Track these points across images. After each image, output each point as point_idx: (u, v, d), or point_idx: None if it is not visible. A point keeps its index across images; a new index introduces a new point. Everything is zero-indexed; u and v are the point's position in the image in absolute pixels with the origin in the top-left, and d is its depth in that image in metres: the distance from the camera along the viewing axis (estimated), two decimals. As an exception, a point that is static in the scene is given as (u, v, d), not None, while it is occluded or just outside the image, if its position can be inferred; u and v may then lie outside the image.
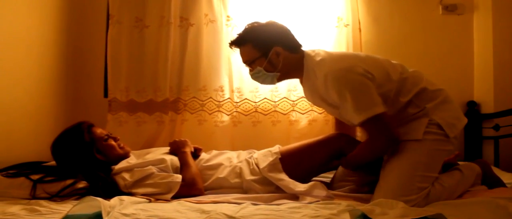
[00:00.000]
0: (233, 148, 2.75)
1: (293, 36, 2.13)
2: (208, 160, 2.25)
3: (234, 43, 2.11)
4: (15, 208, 1.59)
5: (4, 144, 2.29)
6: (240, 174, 2.13)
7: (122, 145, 2.25)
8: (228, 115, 2.98)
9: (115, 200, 1.61)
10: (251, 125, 2.96)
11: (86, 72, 3.11)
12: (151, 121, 2.96)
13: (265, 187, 2.06)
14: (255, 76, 2.12)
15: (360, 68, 1.89)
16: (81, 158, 2.09)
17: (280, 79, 2.12)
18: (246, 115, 2.97)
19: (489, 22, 2.93)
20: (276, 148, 2.23)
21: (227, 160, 2.24)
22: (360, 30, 3.01)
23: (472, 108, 3.02)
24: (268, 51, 2.03)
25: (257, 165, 2.14)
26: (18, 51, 2.41)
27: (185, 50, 2.99)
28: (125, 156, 2.22)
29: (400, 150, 1.92)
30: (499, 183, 2.11)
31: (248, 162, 2.18)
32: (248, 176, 2.10)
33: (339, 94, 1.90)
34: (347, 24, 2.96)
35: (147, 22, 2.99)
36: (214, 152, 2.37)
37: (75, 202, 1.69)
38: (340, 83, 1.89)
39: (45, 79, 2.72)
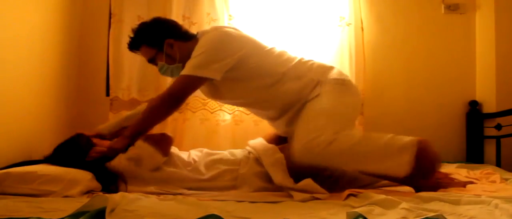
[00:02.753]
0: (234, 146, 2.76)
1: (181, 26, 2.29)
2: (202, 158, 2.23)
3: (131, 49, 2.25)
4: (20, 206, 1.59)
5: (7, 142, 2.29)
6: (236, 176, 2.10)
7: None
8: (229, 113, 2.98)
9: (119, 196, 1.61)
10: (252, 124, 2.96)
11: (88, 71, 3.11)
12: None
13: (260, 182, 2.04)
14: (162, 72, 2.25)
15: (234, 32, 2.11)
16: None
17: None
18: (248, 114, 2.97)
19: (492, 22, 2.93)
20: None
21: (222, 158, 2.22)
22: (362, 29, 3.00)
23: (474, 107, 3.02)
24: (161, 46, 2.17)
25: (258, 158, 2.11)
26: (20, 50, 2.41)
27: (187, 49, 2.99)
28: None
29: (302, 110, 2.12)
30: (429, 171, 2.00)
31: (247, 158, 2.16)
32: (243, 169, 2.08)
33: (198, 47, 2.08)
34: (350, 23, 2.97)
35: (149, 21, 2.99)
36: (206, 150, 2.33)
37: (80, 200, 1.71)
38: (206, 38, 2.09)
39: (47, 78, 2.72)
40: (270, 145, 2.20)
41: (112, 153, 2.10)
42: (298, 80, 2.15)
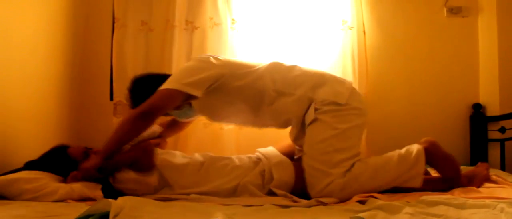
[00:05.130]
0: (238, 151, 2.75)
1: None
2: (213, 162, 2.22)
3: (133, 108, 2.24)
4: (24, 210, 1.60)
5: (11, 146, 2.30)
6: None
7: None
8: (233, 118, 2.98)
9: (122, 201, 1.61)
10: (256, 129, 2.95)
11: (91, 75, 3.12)
12: (156, 124, 2.95)
13: (261, 194, 2.02)
14: (174, 115, 2.41)
15: (210, 58, 2.15)
16: None
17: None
18: (251, 119, 2.96)
19: (494, 25, 2.92)
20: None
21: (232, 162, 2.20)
22: (364, 33, 3.00)
23: (477, 110, 3.01)
24: None
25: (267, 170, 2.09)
26: (25, 54, 2.43)
27: (190, 53, 2.99)
28: None
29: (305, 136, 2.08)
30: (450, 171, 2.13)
31: (253, 167, 2.13)
32: (246, 178, 2.05)
33: None
34: (352, 27, 2.96)
35: (152, 26, 3.01)
36: (210, 155, 2.29)
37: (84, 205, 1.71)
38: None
39: (51, 83, 2.74)
40: (284, 158, 2.15)
41: (87, 175, 1.98)
42: (286, 98, 2.14)
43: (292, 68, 2.22)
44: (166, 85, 2.05)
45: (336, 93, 2.10)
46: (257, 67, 2.19)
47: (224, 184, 2.04)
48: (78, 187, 1.90)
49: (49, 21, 2.70)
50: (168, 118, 2.51)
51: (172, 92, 2.04)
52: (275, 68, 2.20)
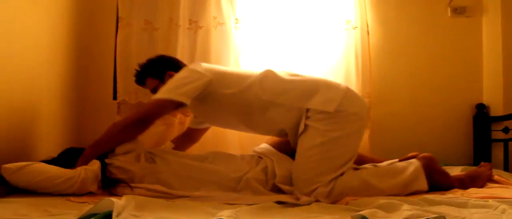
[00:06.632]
0: (242, 151, 2.75)
1: (181, 61, 2.55)
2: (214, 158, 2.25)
3: (137, 83, 2.55)
4: (28, 209, 1.60)
5: (15, 146, 2.31)
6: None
7: None
8: (236, 116, 2.98)
9: (125, 200, 1.61)
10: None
11: (95, 74, 3.13)
12: (160, 123, 2.96)
13: (263, 190, 2.05)
14: None
15: (200, 67, 2.24)
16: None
17: None
18: (254, 117, 2.97)
19: (498, 25, 2.92)
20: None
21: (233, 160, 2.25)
22: (368, 33, 3.00)
23: (481, 110, 3.01)
24: (163, 77, 2.38)
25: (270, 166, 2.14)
26: (27, 53, 2.43)
27: (194, 53, 3.00)
28: None
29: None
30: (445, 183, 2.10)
31: (255, 163, 2.17)
32: (250, 174, 2.08)
33: None
34: (356, 27, 2.96)
35: (156, 25, 3.01)
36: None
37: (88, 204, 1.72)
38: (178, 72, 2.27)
39: (55, 82, 2.74)
40: (283, 155, 2.21)
41: None
42: (277, 108, 2.15)
43: (283, 76, 2.24)
44: (159, 95, 2.17)
45: (326, 101, 2.08)
46: (248, 77, 2.24)
47: (228, 173, 2.09)
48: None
49: (53, 20, 2.71)
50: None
51: (164, 102, 2.15)
52: (266, 77, 2.22)
